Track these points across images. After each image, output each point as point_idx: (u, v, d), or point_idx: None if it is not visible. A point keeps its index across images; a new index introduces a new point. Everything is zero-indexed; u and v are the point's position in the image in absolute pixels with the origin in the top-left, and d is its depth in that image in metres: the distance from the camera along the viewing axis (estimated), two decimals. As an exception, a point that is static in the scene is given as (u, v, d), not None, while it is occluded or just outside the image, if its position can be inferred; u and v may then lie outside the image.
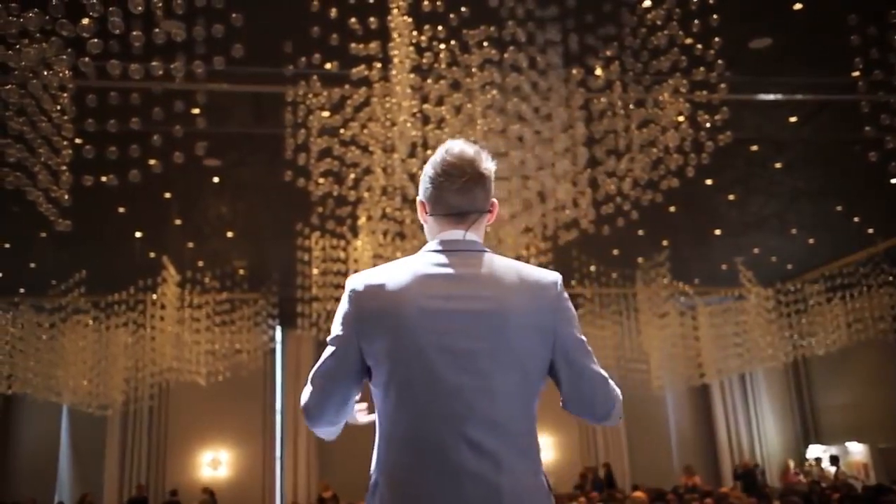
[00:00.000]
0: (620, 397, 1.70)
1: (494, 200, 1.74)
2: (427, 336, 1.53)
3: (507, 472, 1.49)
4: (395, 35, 5.54)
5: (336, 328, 1.63)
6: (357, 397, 1.70)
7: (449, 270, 1.60)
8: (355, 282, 1.63)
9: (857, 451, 13.99)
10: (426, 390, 1.52)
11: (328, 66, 5.62)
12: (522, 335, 1.56)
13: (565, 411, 1.70)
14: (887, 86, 5.77)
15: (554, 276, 1.66)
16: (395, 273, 1.61)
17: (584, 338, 1.66)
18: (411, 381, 1.53)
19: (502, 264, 1.64)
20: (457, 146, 1.69)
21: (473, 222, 1.68)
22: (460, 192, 1.66)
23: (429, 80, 5.90)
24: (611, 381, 1.67)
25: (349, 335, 1.60)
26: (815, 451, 14.78)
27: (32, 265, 10.89)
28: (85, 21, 4.31)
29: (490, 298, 1.56)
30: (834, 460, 13.85)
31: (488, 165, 1.70)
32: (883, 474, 13.01)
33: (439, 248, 1.65)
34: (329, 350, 1.63)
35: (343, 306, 1.63)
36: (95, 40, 4.40)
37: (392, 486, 1.52)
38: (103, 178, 5.54)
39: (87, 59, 4.52)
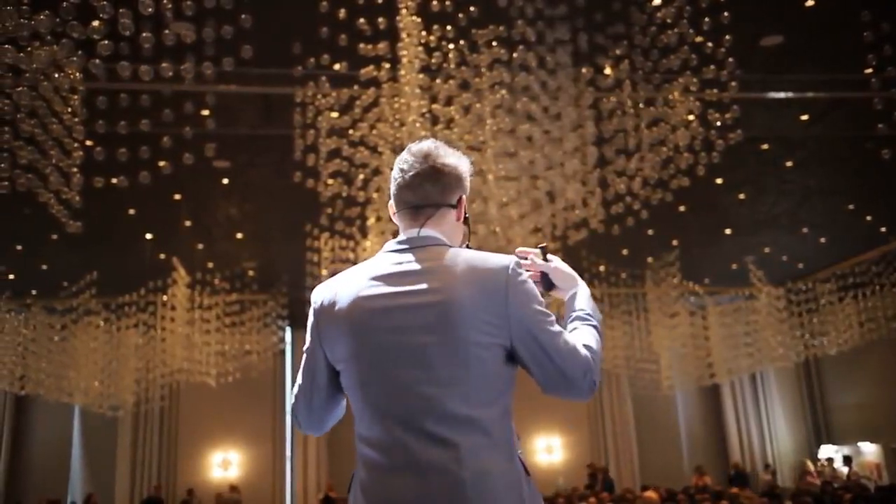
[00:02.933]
0: (596, 362, 1.60)
1: (461, 196, 1.73)
2: (378, 335, 1.56)
3: (471, 463, 1.47)
4: (403, 35, 5.53)
5: (306, 339, 1.70)
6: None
7: (398, 268, 1.62)
8: (315, 292, 1.70)
9: (869, 451, 13.88)
10: (382, 389, 1.55)
11: (337, 66, 5.61)
12: (473, 325, 1.52)
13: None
14: (900, 83, 5.72)
15: (505, 260, 1.60)
16: (349, 277, 1.67)
17: (545, 315, 1.58)
18: (369, 380, 1.57)
19: (453, 255, 1.61)
20: (416, 144, 1.72)
21: (429, 217, 1.68)
22: (410, 187, 1.69)
23: (438, 80, 5.89)
24: (583, 350, 1.59)
25: (314, 344, 1.67)
26: (827, 451, 14.68)
27: (44, 267, 10.96)
28: (95, 23, 4.32)
29: (436, 291, 1.55)
30: (846, 460, 13.75)
31: (448, 161, 1.69)
32: (896, 475, 12.91)
33: (392, 246, 1.68)
34: (302, 359, 1.71)
35: (309, 317, 1.70)
36: (105, 42, 4.42)
37: (363, 484, 1.56)
38: (114, 180, 5.56)
39: (97, 60, 4.53)
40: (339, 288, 1.65)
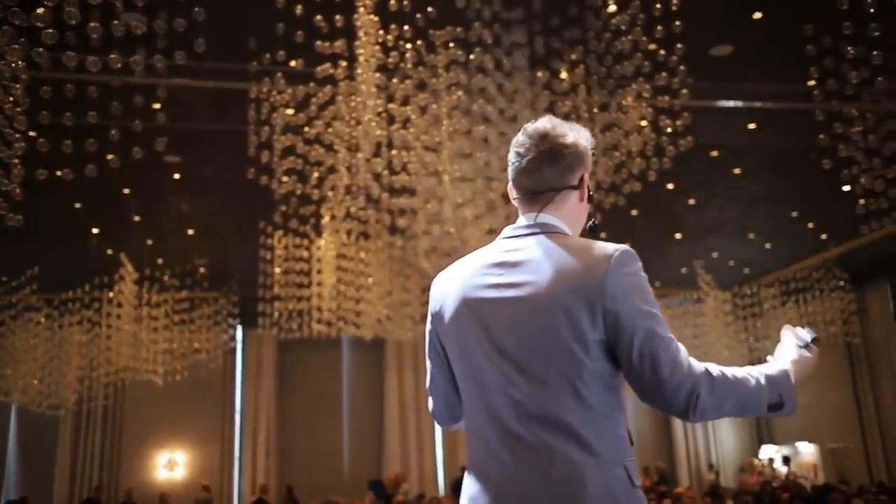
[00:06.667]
0: (716, 394, 1.42)
1: (583, 175, 1.60)
2: (474, 328, 1.51)
3: (563, 467, 1.38)
4: (361, 34, 5.50)
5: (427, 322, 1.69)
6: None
7: (505, 256, 1.54)
8: (438, 276, 1.67)
9: (807, 451, 14.35)
10: (475, 384, 1.52)
11: (293, 63, 5.55)
12: (567, 321, 1.41)
13: None
14: (840, 95, 5.93)
15: (609, 250, 1.45)
16: (460, 266, 1.63)
17: (651, 315, 1.43)
18: (465, 374, 1.54)
19: (562, 245, 1.50)
20: (532, 125, 1.61)
21: (549, 202, 1.58)
22: (527, 172, 1.58)
23: (394, 80, 5.87)
24: (697, 367, 1.42)
25: (431, 329, 1.64)
26: (767, 451, 15.13)
27: (-18, 261, 10.55)
28: (39, 10, 4.18)
29: (530, 284, 1.46)
30: (785, 460, 14.20)
31: (567, 140, 1.57)
32: (832, 474, 13.37)
33: (507, 233, 1.62)
34: (426, 344, 1.70)
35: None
36: (50, 31, 4.27)
37: (467, 479, 1.54)
38: (58, 173, 5.38)
39: (41, 49, 4.38)
40: (449, 275, 1.62)
